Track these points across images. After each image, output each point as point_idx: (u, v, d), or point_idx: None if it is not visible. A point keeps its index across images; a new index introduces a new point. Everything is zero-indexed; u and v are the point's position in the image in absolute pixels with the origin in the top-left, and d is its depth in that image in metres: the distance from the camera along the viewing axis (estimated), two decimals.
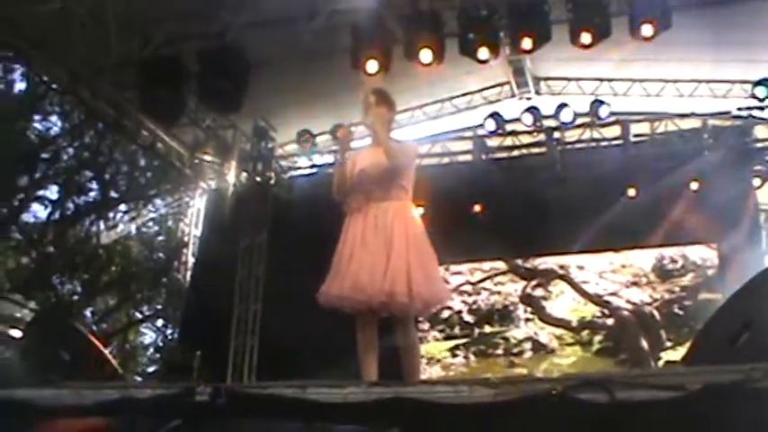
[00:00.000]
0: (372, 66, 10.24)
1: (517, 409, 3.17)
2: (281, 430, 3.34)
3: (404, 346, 5.54)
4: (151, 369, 24.72)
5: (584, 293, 13.24)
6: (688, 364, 5.23)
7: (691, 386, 2.97)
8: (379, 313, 5.43)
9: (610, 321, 12.94)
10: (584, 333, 12.97)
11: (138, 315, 25.38)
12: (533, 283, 13.60)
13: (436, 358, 13.38)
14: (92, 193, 22.53)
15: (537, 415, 3.13)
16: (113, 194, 22.54)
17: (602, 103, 12.74)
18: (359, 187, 5.66)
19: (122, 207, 22.69)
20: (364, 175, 5.64)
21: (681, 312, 12.54)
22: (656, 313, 12.68)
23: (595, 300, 13.13)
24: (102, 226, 21.82)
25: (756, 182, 12.59)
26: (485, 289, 13.79)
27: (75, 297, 22.76)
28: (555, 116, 12.98)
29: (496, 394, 3.26)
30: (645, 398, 3.01)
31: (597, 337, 12.88)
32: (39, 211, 21.91)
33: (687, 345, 9.46)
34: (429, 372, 12.87)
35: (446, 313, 13.28)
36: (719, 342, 4.69)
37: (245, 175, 14.31)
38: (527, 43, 10.26)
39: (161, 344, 25.23)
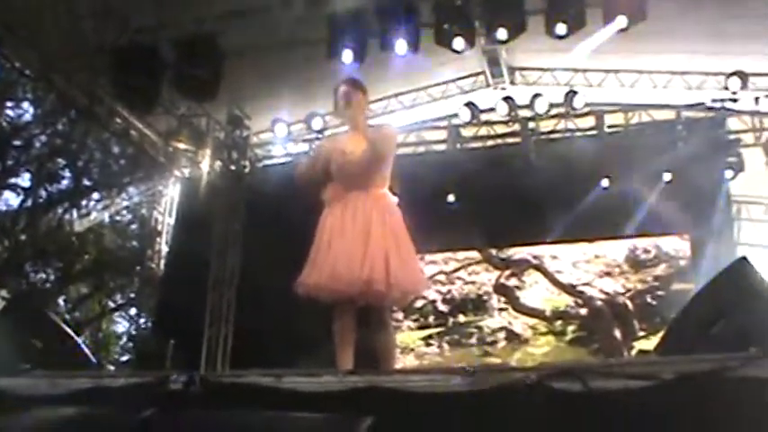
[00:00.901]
0: (348, 56, 10.24)
1: (492, 398, 3.17)
2: (255, 419, 3.33)
3: (379, 335, 5.54)
4: (124, 358, 24.63)
5: (557, 283, 13.31)
6: (661, 353, 5.27)
7: (664, 375, 2.99)
8: (356, 302, 5.41)
9: (583, 311, 13.02)
10: (558, 323, 13.05)
11: (112, 304, 25.25)
12: (507, 272, 13.66)
13: (410, 347, 13.43)
14: (64, 181, 22.38)
15: (512, 404, 3.14)
16: (86, 182, 22.39)
17: (576, 93, 12.76)
18: (337, 175, 5.62)
19: (95, 195, 22.54)
20: (345, 163, 5.60)
21: (654, 302, 12.63)
22: (629, 303, 12.77)
23: (569, 290, 13.20)
24: (74, 214, 21.69)
25: (729, 173, 12.63)
26: (459, 278, 13.83)
27: (48, 285, 22.62)
28: (529, 106, 13.00)
29: (471, 383, 3.27)
30: (619, 387, 3.02)
31: (571, 327, 12.96)
32: (10, 199, 21.76)
33: (660, 334, 9.51)
34: (403, 361, 12.89)
35: (420, 303, 13.32)
36: (692, 331, 4.73)
37: (219, 163, 14.26)
38: (502, 33, 10.27)
39: (134, 333, 25.14)
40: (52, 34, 10.93)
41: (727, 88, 12.23)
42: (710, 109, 12.75)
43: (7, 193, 21.53)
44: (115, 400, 3.74)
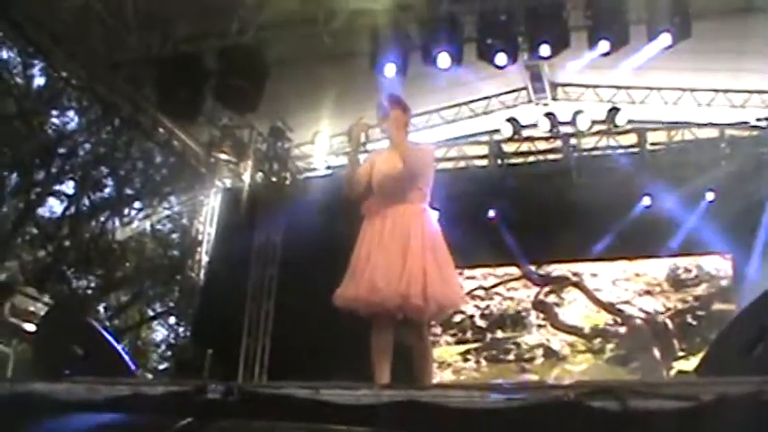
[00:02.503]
0: (390, 69, 10.26)
1: (529, 415, 3.16)
2: (292, 430, 3.34)
3: (417, 349, 5.55)
4: (162, 366, 24.80)
5: (596, 301, 13.22)
6: (701, 374, 5.22)
7: (704, 397, 2.96)
8: (394, 316, 5.42)
9: (622, 330, 12.92)
10: (597, 341, 12.95)
11: (151, 312, 25.48)
12: (546, 289, 13.59)
13: (448, 362, 13.40)
14: (107, 189, 22.66)
15: (548, 421, 3.13)
16: (128, 191, 22.62)
17: (618, 110, 12.71)
18: (377, 190, 5.68)
19: (137, 204, 22.79)
20: (382, 178, 5.66)
21: (694, 322, 12.51)
22: (668, 322, 12.66)
23: (608, 308, 13.11)
24: (117, 222, 21.91)
25: None
26: (497, 294, 13.79)
27: (89, 292, 22.85)
28: (571, 123, 12.97)
29: (508, 399, 3.26)
30: (657, 407, 3.00)
31: (609, 345, 12.86)
32: (55, 206, 22.04)
33: (700, 355, 9.42)
34: (440, 376, 12.88)
35: (458, 317, 13.29)
36: (733, 353, 4.68)
37: (260, 174, 14.34)
38: (545, 50, 10.24)
39: (173, 341, 25.30)
40: (98, 45, 11.06)
41: None
42: (754, 127, 12.65)
43: (51, 200, 21.84)
44: (153, 408, 3.76)
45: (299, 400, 3.53)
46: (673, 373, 12.14)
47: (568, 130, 13.22)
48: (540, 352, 13.14)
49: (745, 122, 12.72)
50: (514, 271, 13.87)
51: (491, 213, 13.28)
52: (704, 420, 2.90)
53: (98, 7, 10.62)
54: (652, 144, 13.25)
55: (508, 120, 13.34)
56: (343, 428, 3.24)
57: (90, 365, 6.01)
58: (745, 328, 4.84)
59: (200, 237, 15.86)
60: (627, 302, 13.06)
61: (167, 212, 22.31)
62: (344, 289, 5.50)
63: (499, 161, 13.96)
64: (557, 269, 13.66)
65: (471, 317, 13.60)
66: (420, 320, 5.56)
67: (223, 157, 13.88)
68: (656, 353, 12.48)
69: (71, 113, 21.37)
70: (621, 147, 13.45)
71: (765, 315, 4.71)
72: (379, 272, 5.35)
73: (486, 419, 3.23)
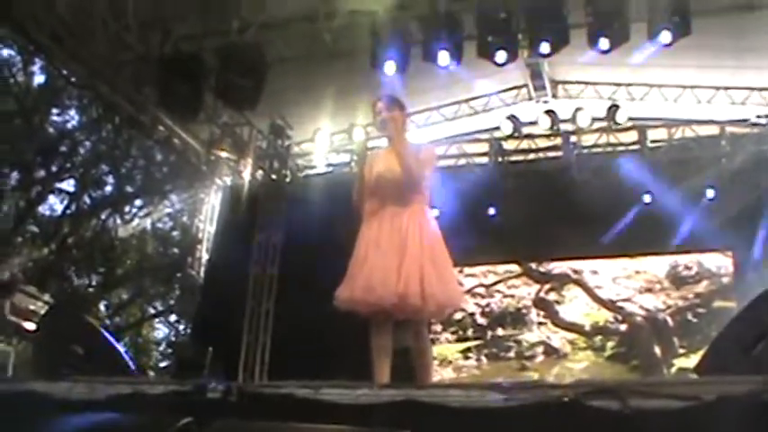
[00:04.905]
0: (390, 66, 10.24)
1: (528, 415, 3.16)
2: (291, 430, 3.34)
3: (416, 348, 5.54)
4: (163, 364, 24.85)
5: (597, 299, 13.22)
6: (702, 372, 5.21)
7: (705, 396, 2.96)
8: (393, 315, 5.42)
9: (623, 327, 12.92)
10: (597, 338, 12.95)
11: (152, 310, 25.52)
12: (547, 286, 13.59)
13: (448, 360, 13.40)
14: (108, 187, 22.70)
15: (548, 421, 3.12)
16: (129, 189, 22.65)
17: (618, 107, 12.70)
18: (375, 192, 5.66)
19: (138, 202, 22.81)
20: (381, 180, 5.64)
21: (695, 320, 12.49)
22: (669, 320, 12.65)
23: (609, 305, 13.11)
24: (117, 220, 21.94)
25: None
26: (498, 292, 13.79)
27: (90, 290, 22.87)
28: (572, 120, 12.96)
29: (507, 399, 3.26)
30: (658, 406, 2.99)
31: (610, 343, 12.86)
32: (55, 204, 22.07)
33: (700, 352, 9.41)
34: (441, 373, 12.88)
35: (459, 315, 13.27)
36: (734, 351, 4.67)
37: (260, 172, 14.33)
38: (545, 47, 10.23)
39: (173, 339, 25.35)
40: (98, 43, 11.05)
41: None
42: (755, 125, 12.64)
43: (52, 198, 21.86)
44: (153, 408, 3.76)
45: (299, 399, 3.53)
46: (673, 370, 12.14)
47: (569, 127, 13.20)
48: (540, 349, 13.14)
49: (746, 120, 12.71)
50: (515, 268, 13.88)
51: (491, 211, 13.24)
52: (705, 420, 2.90)
53: (99, 6, 10.61)
54: (652, 141, 13.23)
55: (508, 117, 13.31)
56: (342, 428, 3.24)
57: (90, 365, 6.01)
58: (745, 326, 4.84)
59: (200, 235, 15.85)
60: (627, 300, 13.06)
61: (168, 210, 22.35)
62: (342, 291, 5.51)
63: (499, 159, 13.94)
64: (557, 267, 13.65)
65: (472, 315, 13.60)
66: (419, 320, 5.56)
67: (223, 154, 13.88)
68: (657, 350, 12.48)
69: (72, 112, 21.47)
70: (622, 144, 13.44)
71: (765, 314, 4.70)
72: (376, 273, 5.35)
73: (485, 419, 3.23)
